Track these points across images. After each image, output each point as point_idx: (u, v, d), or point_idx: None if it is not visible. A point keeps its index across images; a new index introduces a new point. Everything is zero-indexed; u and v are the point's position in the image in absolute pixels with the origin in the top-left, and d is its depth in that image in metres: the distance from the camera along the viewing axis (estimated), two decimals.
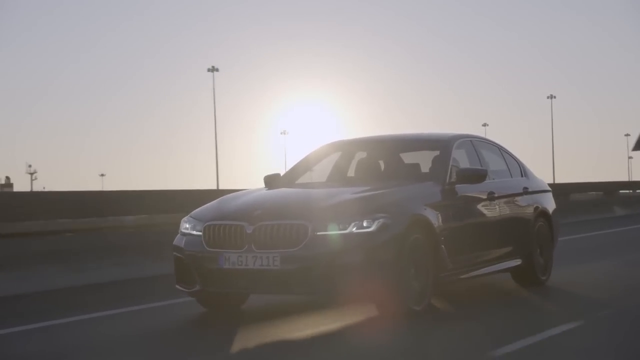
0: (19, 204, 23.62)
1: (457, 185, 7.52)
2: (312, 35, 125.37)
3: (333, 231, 6.33)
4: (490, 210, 7.99)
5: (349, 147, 8.64)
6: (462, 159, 8.19)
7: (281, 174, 8.26)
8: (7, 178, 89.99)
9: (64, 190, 29.94)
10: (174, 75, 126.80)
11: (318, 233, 6.32)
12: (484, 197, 7.92)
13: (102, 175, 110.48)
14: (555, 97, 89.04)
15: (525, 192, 8.77)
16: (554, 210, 9.30)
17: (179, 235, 6.99)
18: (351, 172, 8.41)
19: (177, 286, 6.98)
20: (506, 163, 8.95)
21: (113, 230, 20.03)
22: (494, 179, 8.34)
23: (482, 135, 8.89)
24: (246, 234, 6.45)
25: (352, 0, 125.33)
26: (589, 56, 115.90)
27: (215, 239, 6.60)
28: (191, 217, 6.98)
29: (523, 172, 9.14)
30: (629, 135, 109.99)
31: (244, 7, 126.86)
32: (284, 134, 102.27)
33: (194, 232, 6.79)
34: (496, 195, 8.10)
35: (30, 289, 9.05)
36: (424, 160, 8.15)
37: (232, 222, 6.58)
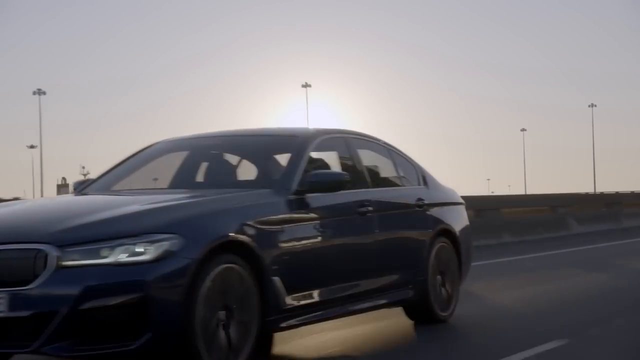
0: None
1: (309, 195, 5.57)
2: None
3: (88, 260, 4.33)
4: (360, 228, 6.04)
5: (180, 147, 6.67)
6: (332, 162, 6.29)
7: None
8: (64, 179, 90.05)
9: None
10: (269, 90, 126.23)
11: (65, 263, 4.31)
12: (352, 210, 5.98)
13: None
14: (596, 105, 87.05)
15: (420, 204, 6.84)
16: (464, 228, 7.37)
17: None
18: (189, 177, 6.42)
19: None
20: (395, 168, 7.01)
21: None
22: (370, 187, 6.40)
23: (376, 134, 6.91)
24: None
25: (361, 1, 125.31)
26: (632, 65, 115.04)
27: None
28: None
29: (421, 179, 7.21)
30: None
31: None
32: None
33: None
34: (372, 208, 6.15)
35: None
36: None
37: None
